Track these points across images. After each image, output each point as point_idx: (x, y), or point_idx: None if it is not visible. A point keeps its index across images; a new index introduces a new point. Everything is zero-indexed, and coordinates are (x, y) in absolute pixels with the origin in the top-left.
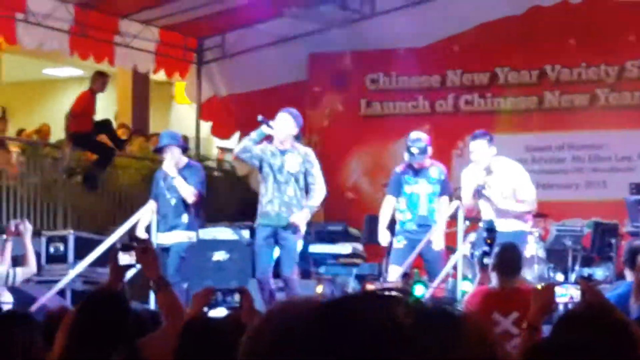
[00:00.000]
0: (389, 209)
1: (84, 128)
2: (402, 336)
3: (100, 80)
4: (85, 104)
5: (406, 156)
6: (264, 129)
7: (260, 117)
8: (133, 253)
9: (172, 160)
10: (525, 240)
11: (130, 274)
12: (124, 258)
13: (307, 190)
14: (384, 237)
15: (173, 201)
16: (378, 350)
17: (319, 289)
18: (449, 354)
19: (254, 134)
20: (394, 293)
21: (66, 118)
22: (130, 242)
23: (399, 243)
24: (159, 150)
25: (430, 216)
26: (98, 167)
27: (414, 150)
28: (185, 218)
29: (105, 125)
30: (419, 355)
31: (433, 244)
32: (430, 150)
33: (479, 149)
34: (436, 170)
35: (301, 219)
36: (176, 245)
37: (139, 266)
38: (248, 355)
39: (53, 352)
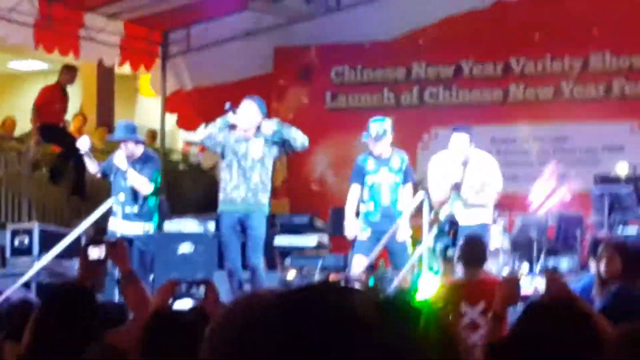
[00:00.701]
0: (355, 199)
1: (51, 120)
2: (362, 327)
3: (68, 73)
4: (49, 96)
5: (364, 136)
6: (229, 117)
7: (227, 105)
8: (103, 247)
9: (125, 153)
10: (487, 233)
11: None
12: (94, 252)
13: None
14: (351, 229)
15: (128, 191)
16: (338, 342)
17: (291, 275)
18: (408, 346)
19: (219, 121)
20: (354, 285)
21: (32, 111)
22: (99, 236)
23: (364, 233)
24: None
25: (394, 206)
26: (63, 160)
27: (373, 130)
28: (139, 209)
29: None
30: (379, 347)
31: (397, 235)
32: (389, 135)
33: (461, 143)
34: (398, 159)
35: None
36: (134, 237)
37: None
38: (212, 346)
39: (21, 346)
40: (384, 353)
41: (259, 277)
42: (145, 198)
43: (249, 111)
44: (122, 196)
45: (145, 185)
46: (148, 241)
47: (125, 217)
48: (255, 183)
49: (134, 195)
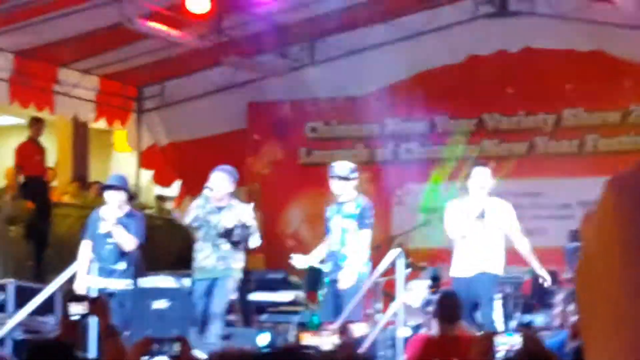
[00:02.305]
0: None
1: (34, 172)
2: None
3: (35, 125)
4: (27, 150)
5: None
6: (206, 192)
7: (206, 185)
8: (85, 303)
9: (115, 205)
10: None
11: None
12: (76, 308)
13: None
14: (300, 259)
15: (111, 247)
16: None
17: (263, 338)
18: None
19: (201, 201)
20: (309, 349)
21: (13, 169)
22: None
23: (321, 295)
24: (107, 188)
25: (339, 252)
26: (39, 217)
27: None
28: (123, 265)
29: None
30: None
31: (339, 283)
32: (351, 181)
33: (486, 176)
34: (353, 204)
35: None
36: (115, 292)
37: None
38: None
39: None
40: None
41: (215, 325)
42: (129, 254)
43: (220, 181)
44: (104, 251)
45: (130, 242)
46: (127, 297)
47: (108, 273)
48: (225, 251)
49: (118, 251)
